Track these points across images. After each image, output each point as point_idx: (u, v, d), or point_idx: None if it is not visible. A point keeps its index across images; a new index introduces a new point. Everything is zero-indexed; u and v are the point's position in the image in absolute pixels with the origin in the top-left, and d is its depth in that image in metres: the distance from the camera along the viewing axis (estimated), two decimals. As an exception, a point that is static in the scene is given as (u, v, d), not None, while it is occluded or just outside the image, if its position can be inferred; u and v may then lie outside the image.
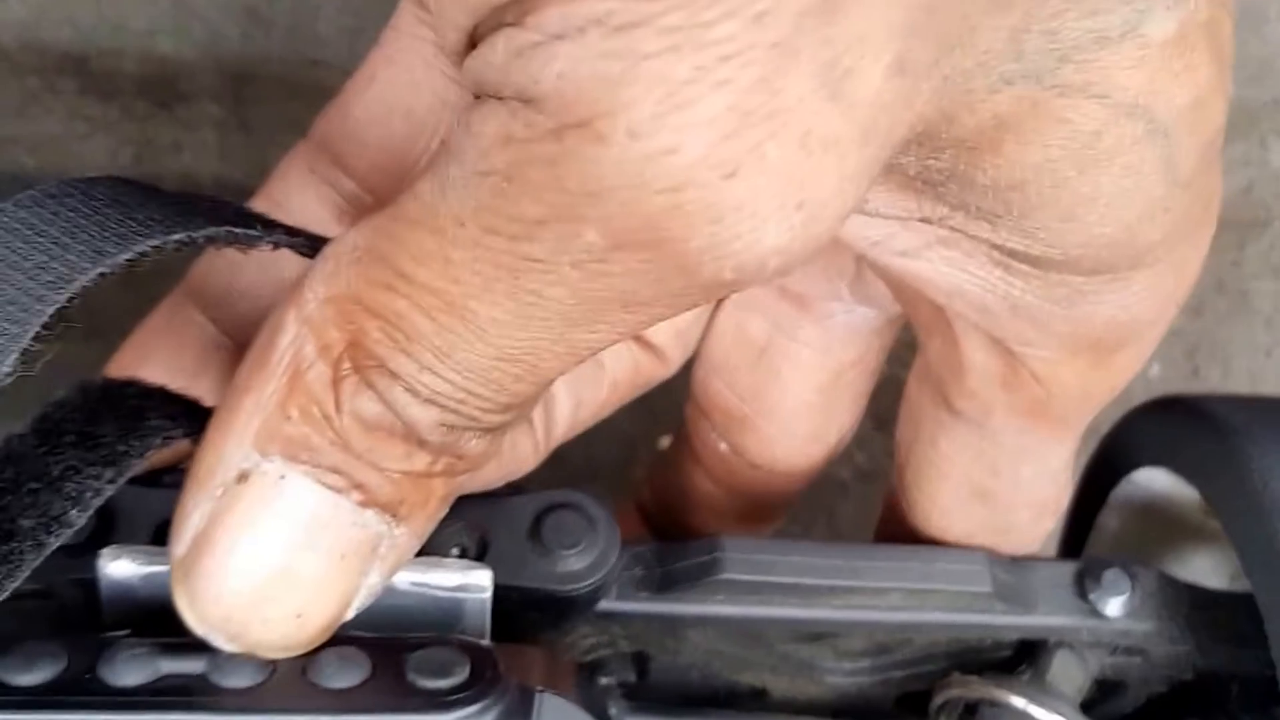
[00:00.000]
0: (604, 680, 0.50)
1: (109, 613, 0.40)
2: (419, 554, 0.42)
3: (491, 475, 0.45)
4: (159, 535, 0.42)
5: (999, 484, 0.48)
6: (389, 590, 0.40)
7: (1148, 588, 0.49)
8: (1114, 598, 0.48)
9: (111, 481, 0.36)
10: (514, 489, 0.46)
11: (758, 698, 0.54)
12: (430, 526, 0.38)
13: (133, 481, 0.37)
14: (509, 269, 0.32)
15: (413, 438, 0.35)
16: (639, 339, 0.49)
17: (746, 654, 0.51)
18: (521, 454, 0.47)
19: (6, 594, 0.36)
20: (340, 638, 0.38)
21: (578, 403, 0.48)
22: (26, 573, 0.36)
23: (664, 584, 0.47)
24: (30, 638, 0.38)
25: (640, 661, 0.52)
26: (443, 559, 0.43)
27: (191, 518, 0.35)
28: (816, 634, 0.50)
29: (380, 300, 0.34)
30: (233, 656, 0.38)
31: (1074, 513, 0.58)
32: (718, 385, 0.53)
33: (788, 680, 0.53)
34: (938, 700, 0.50)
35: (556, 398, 0.47)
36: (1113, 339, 0.43)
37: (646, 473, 0.59)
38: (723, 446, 0.54)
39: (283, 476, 0.35)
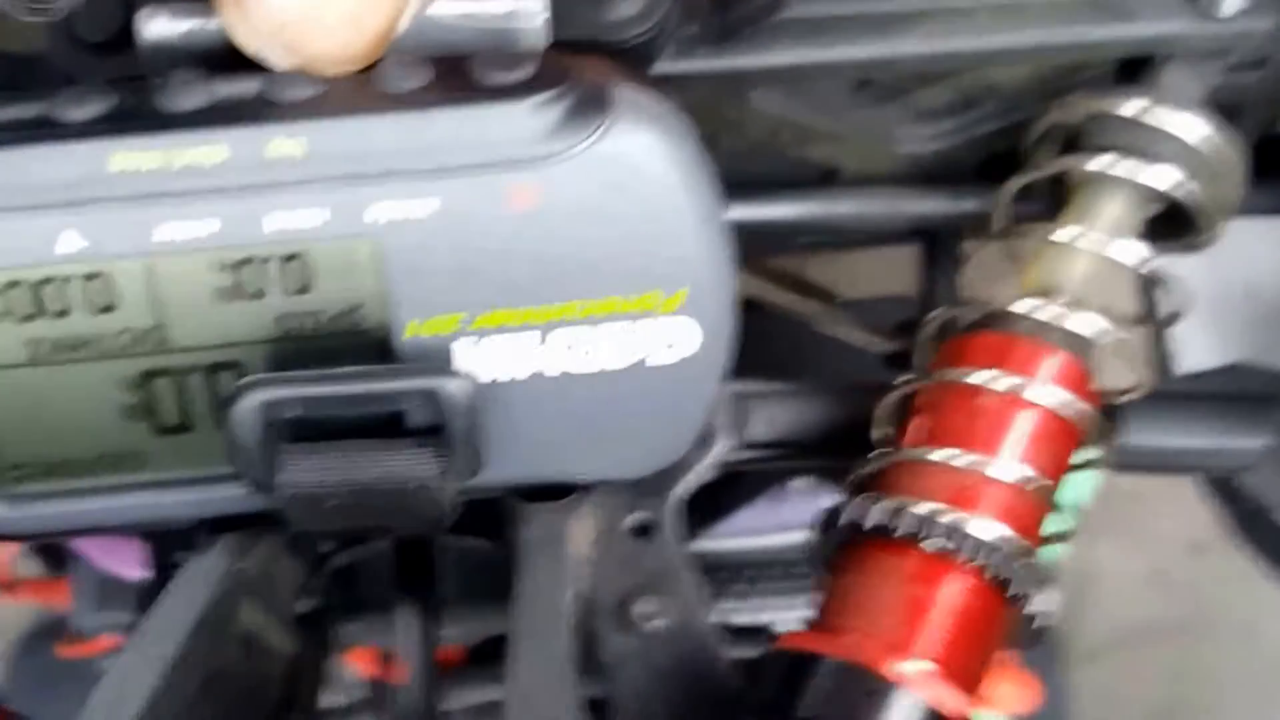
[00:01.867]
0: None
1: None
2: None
3: None
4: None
5: None
6: (438, 25, 0.38)
7: None
8: (1229, -8, 0.43)
9: None
10: None
11: (828, 177, 0.50)
12: None
13: None
14: None
15: None
16: None
17: (815, 123, 0.48)
18: None
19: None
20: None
21: None
22: None
23: (724, 35, 0.44)
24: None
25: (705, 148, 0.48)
26: None
27: None
28: (892, 90, 0.47)
29: None
30: (288, 73, 0.36)
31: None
32: None
33: (861, 154, 0.49)
34: (1033, 134, 0.46)
35: None
36: None
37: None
38: None
39: None
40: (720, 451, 0.47)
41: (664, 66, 0.43)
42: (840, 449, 0.46)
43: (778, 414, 0.47)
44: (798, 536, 0.72)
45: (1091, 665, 1.20)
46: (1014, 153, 0.47)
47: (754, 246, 0.49)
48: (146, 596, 0.51)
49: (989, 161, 0.49)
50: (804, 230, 0.50)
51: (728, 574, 0.73)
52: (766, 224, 0.50)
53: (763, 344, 0.46)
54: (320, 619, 0.50)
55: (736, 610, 0.72)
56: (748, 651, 0.47)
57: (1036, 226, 0.44)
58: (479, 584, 0.53)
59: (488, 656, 0.54)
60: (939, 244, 0.52)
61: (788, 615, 0.72)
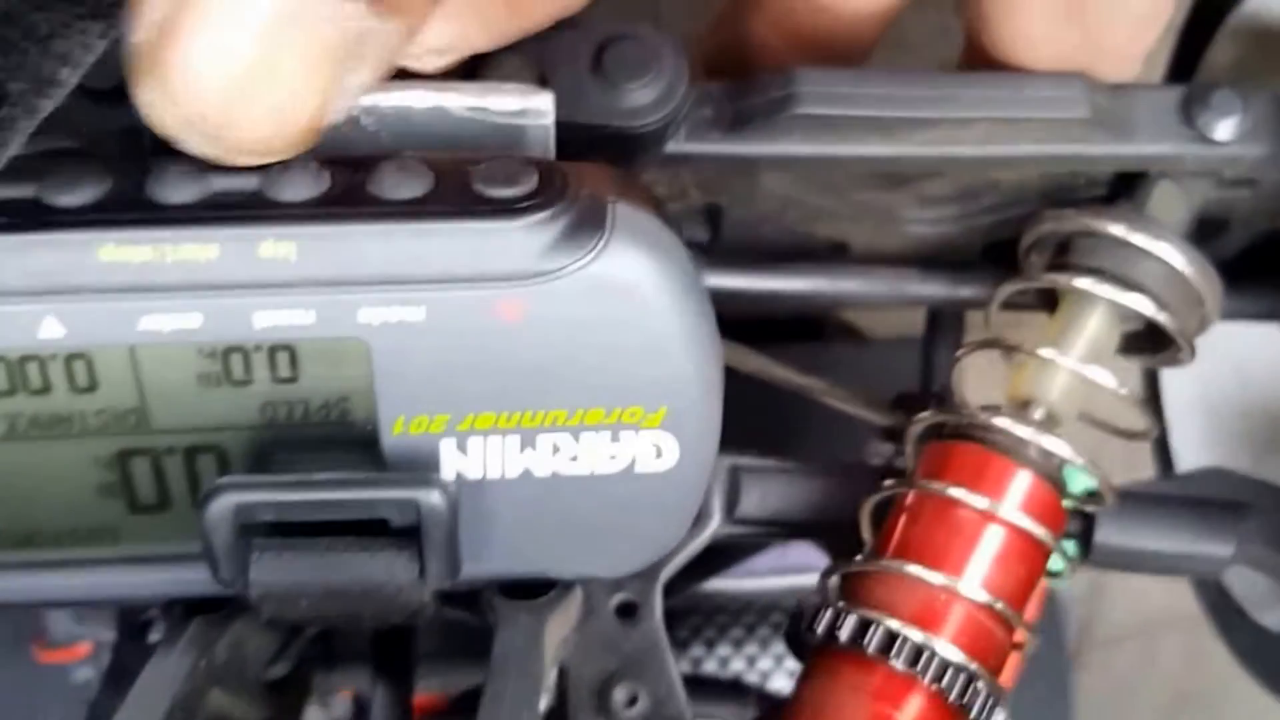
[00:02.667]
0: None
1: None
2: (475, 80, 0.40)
3: (539, 20, 0.41)
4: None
5: (1088, 2, 0.44)
6: (446, 118, 0.39)
7: (1261, 110, 0.44)
8: (1223, 120, 0.44)
9: (102, 36, 0.34)
10: (570, 22, 0.43)
11: (837, 252, 0.52)
12: (419, 23, 0.35)
13: None
14: None
15: None
16: None
17: (823, 202, 0.49)
18: None
19: (4, 162, 0.34)
20: (401, 154, 0.37)
21: None
22: (21, 138, 0.34)
23: (736, 122, 0.44)
24: (71, 161, 0.36)
25: (713, 216, 0.50)
26: (501, 84, 0.40)
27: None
28: (898, 179, 0.47)
29: None
30: (287, 170, 0.36)
31: (1180, 47, 0.54)
32: None
33: (868, 231, 0.50)
34: (1027, 239, 0.47)
35: None
36: None
37: (705, 29, 0.55)
38: None
39: None
40: (711, 531, 0.48)
41: (675, 147, 0.44)
42: (830, 529, 0.48)
43: (771, 490, 0.49)
44: (772, 582, 0.73)
45: (1109, 651, 1.21)
46: (1016, 240, 0.48)
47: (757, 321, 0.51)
48: (123, 623, 0.52)
49: (993, 246, 0.50)
50: (810, 303, 0.52)
51: (699, 619, 0.74)
52: (771, 295, 0.51)
53: (760, 414, 0.48)
54: (293, 681, 0.51)
55: (704, 659, 0.73)
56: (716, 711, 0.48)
57: (1022, 340, 0.45)
58: (459, 636, 0.53)
59: (468, 708, 0.54)
60: (942, 322, 0.53)
61: (759, 666, 0.73)
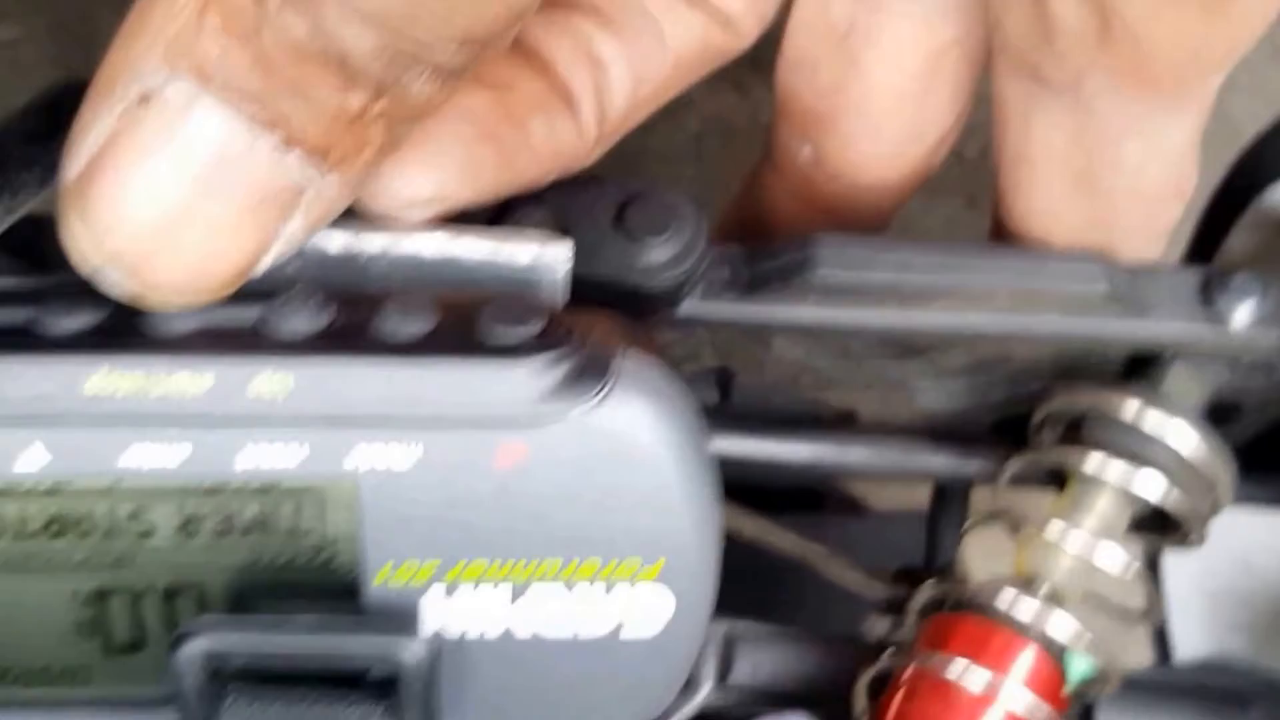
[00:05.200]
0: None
1: None
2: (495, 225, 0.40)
3: (532, 177, 0.41)
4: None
5: (1101, 166, 0.44)
6: (457, 265, 0.38)
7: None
8: (1242, 304, 0.44)
9: None
10: (595, 179, 0.43)
11: (844, 421, 0.51)
12: (364, 175, 0.34)
13: None
14: None
15: (347, 69, 0.31)
16: (706, 7, 0.44)
17: (836, 370, 0.48)
18: (567, 144, 0.41)
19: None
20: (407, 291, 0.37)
21: (637, 80, 0.43)
22: None
23: (752, 285, 0.44)
24: (71, 288, 0.36)
25: (724, 380, 0.49)
26: (517, 229, 0.40)
27: (88, 136, 0.32)
28: (913, 348, 0.47)
29: None
30: (287, 304, 0.36)
31: (1202, 229, 0.54)
32: (796, 81, 0.48)
33: (878, 401, 0.50)
34: (1039, 415, 0.46)
35: (610, 74, 0.42)
36: None
37: (726, 202, 0.55)
38: (805, 152, 0.49)
39: (193, 101, 0.31)
40: (702, 698, 0.47)
41: (689, 308, 0.43)
42: (825, 702, 0.47)
43: (765, 659, 0.48)
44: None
45: None
46: (1027, 416, 0.48)
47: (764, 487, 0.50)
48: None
49: (1004, 421, 0.50)
50: (814, 472, 0.51)
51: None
52: (776, 463, 0.50)
53: (756, 581, 0.47)
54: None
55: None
56: None
57: (1028, 516, 0.45)
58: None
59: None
60: (948, 496, 0.52)
61: None
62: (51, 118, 0.35)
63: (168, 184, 0.31)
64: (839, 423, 0.51)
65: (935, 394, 0.49)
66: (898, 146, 0.48)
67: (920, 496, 0.55)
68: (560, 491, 0.37)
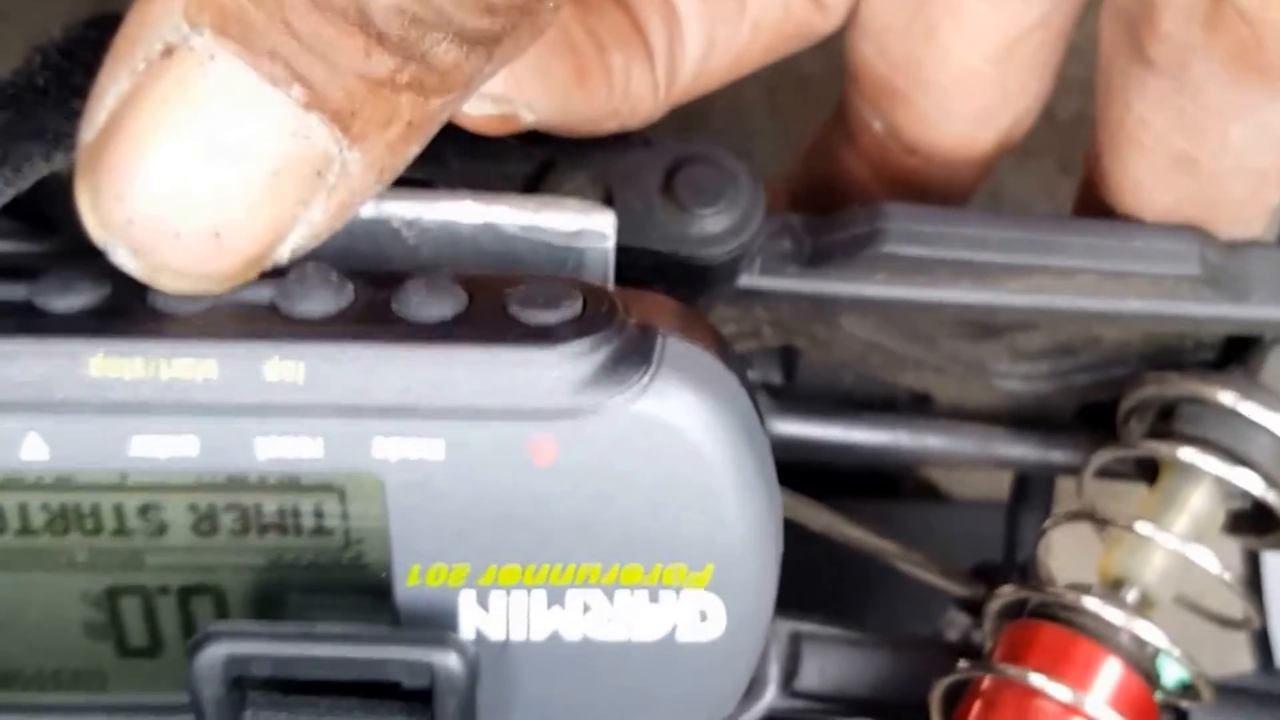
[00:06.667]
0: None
1: None
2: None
3: (599, 108, 0.39)
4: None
5: (1203, 148, 0.41)
6: (496, 236, 0.36)
7: None
8: (1347, 284, 0.41)
9: None
10: (643, 140, 0.41)
11: (919, 404, 0.48)
12: (393, 161, 0.32)
13: None
14: None
15: (370, 29, 0.29)
16: None
17: (908, 350, 0.46)
18: (638, 89, 0.40)
19: None
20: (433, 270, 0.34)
21: (710, 42, 0.41)
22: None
23: (815, 258, 0.41)
24: (72, 262, 0.34)
25: (787, 359, 0.47)
26: (559, 198, 0.38)
27: (106, 97, 0.30)
28: (991, 329, 0.44)
29: None
30: (303, 282, 0.33)
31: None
32: (868, 50, 0.46)
33: (955, 384, 0.47)
34: (1128, 403, 0.44)
35: (684, 33, 0.41)
36: None
37: (798, 158, 0.53)
38: (877, 126, 0.47)
39: (213, 56, 0.30)
40: (767, 701, 0.44)
41: (748, 281, 0.41)
42: (897, 710, 0.44)
43: (832, 663, 0.45)
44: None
45: None
46: (1114, 403, 0.45)
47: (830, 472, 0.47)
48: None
49: (1089, 409, 0.47)
50: (887, 457, 0.48)
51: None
52: (847, 447, 0.48)
53: (825, 576, 0.44)
54: None
55: None
56: None
57: (1117, 514, 0.42)
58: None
59: None
60: (1030, 487, 0.49)
61: None
62: (79, 57, 0.34)
63: (184, 145, 0.30)
64: (913, 406, 0.48)
65: (1015, 378, 0.47)
66: (970, 127, 0.46)
67: (1001, 482, 0.52)
68: (599, 489, 0.34)
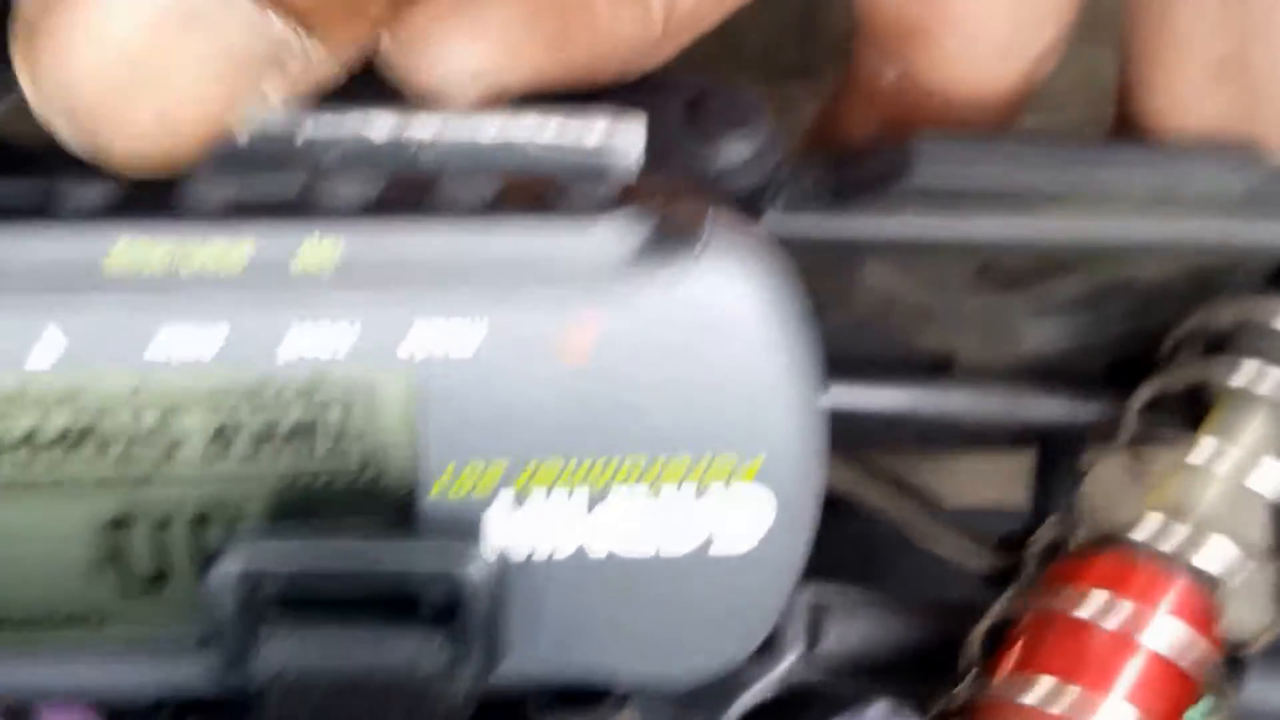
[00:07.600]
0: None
1: None
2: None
3: (587, 56, 0.37)
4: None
5: (1251, 54, 0.40)
6: (517, 153, 0.34)
7: None
8: None
9: None
10: (660, 80, 0.39)
11: (941, 368, 0.46)
12: (354, 51, 0.31)
13: None
14: None
15: None
16: None
17: (931, 304, 0.44)
18: (626, 27, 0.38)
19: None
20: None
21: None
22: None
23: (840, 194, 0.40)
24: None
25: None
26: (583, 108, 0.35)
27: None
28: (1020, 278, 0.43)
29: None
30: (336, 171, 0.32)
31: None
32: None
33: (977, 343, 0.45)
34: (1171, 341, 0.42)
35: None
36: None
37: (808, 125, 0.51)
38: (890, 75, 0.45)
39: None
40: (788, 666, 0.42)
41: (770, 222, 0.39)
42: (922, 675, 0.42)
43: (854, 628, 0.43)
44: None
45: None
46: (1146, 358, 0.43)
47: (849, 437, 0.45)
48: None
49: (1118, 365, 0.45)
50: (910, 423, 0.46)
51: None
52: (869, 413, 0.46)
53: (846, 546, 0.42)
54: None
55: None
56: None
57: (1170, 441, 0.40)
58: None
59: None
60: (1057, 451, 0.47)
61: None
62: None
63: (124, 29, 0.29)
64: (935, 367, 0.46)
65: (1043, 334, 0.45)
66: (996, 61, 0.44)
67: (999, 489, 0.51)
68: (644, 376, 0.33)
